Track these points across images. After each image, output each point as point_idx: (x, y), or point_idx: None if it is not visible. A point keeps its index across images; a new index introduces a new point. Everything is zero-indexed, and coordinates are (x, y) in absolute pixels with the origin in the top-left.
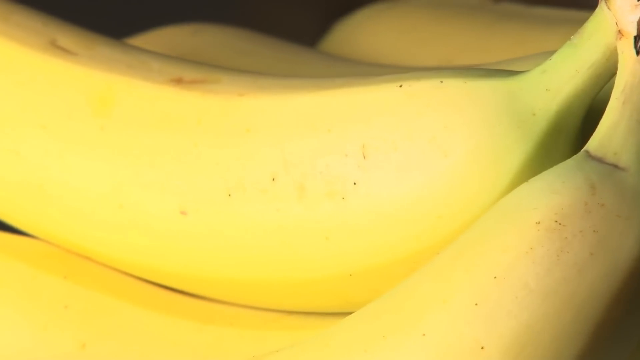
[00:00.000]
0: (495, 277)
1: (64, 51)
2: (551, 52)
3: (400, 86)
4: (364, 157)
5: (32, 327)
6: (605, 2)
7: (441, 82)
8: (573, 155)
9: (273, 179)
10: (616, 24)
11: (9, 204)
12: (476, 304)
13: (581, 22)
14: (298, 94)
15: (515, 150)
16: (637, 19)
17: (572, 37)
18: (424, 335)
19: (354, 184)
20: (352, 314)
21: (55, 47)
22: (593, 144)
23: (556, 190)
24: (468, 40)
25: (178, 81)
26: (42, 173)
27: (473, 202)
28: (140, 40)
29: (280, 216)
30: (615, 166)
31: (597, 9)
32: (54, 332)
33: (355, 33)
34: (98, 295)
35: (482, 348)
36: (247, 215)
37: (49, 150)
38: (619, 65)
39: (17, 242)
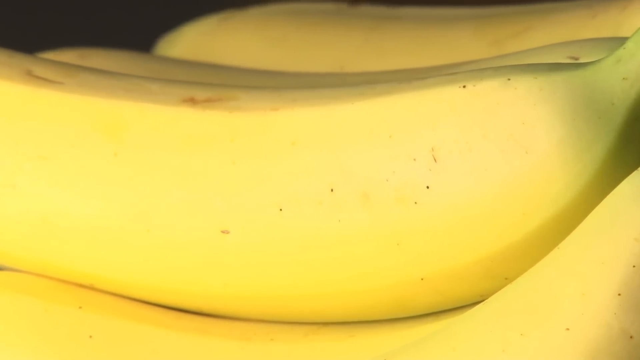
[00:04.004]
0: (634, 266)
1: (47, 81)
2: (578, 42)
3: (464, 87)
4: (435, 160)
5: None
6: None
7: (509, 79)
8: None
9: (332, 190)
10: None
11: (9, 241)
12: (619, 294)
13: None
14: (342, 103)
15: (599, 141)
16: None
17: None
18: (567, 329)
19: (427, 187)
20: (469, 313)
21: (35, 77)
22: None
23: None
24: (356, 45)
25: (192, 101)
26: (44, 205)
27: (558, 197)
28: None
29: (343, 226)
30: None
31: None
32: None
33: (199, 47)
34: (123, 322)
35: (630, 337)
36: (304, 229)
37: (53, 181)
38: None
39: (17, 278)
